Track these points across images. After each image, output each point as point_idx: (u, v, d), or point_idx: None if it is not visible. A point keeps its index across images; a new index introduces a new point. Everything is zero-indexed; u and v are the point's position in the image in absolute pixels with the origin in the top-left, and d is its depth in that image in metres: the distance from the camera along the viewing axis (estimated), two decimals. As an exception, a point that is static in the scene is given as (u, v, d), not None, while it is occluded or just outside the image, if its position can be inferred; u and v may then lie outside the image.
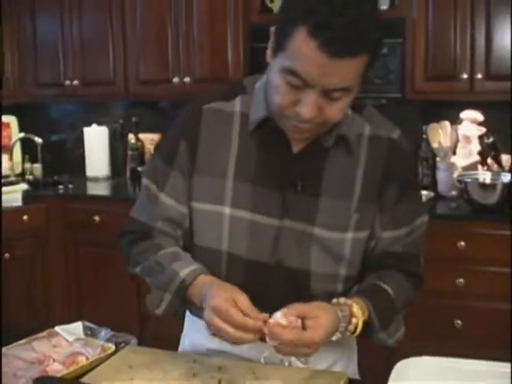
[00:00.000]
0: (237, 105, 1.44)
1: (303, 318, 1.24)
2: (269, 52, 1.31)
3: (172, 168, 1.45)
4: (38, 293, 3.80)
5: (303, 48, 1.19)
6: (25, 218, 3.72)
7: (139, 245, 1.48)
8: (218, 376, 1.33)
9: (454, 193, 3.32)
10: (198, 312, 1.46)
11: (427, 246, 3.20)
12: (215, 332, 1.25)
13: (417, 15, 3.27)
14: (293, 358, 1.45)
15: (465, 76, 3.20)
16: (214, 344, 1.46)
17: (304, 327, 1.23)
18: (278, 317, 1.23)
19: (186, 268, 1.38)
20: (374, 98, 3.46)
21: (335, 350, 1.50)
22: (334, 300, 1.36)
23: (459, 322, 3.08)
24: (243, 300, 1.24)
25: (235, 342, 1.24)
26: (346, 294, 1.44)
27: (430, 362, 1.35)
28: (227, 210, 1.41)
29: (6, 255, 3.70)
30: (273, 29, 1.29)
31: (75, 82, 4.06)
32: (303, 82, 1.22)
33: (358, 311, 1.34)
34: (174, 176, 1.46)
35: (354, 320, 1.33)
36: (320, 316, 1.25)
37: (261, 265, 1.42)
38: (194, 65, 3.72)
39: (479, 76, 3.16)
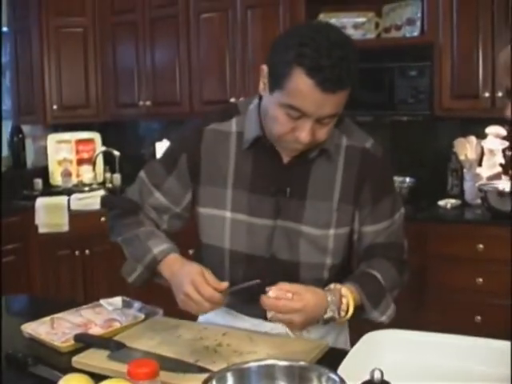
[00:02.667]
0: (233, 125, 1.56)
1: (292, 294, 1.37)
2: (261, 86, 1.44)
3: (170, 174, 1.59)
4: (115, 283, 4.00)
5: (301, 86, 1.32)
6: (102, 219, 3.97)
7: (125, 218, 1.60)
8: (220, 339, 1.52)
9: (478, 201, 3.38)
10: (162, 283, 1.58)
11: (450, 248, 3.29)
12: (184, 301, 1.37)
13: (443, 41, 3.36)
14: (289, 331, 1.60)
15: (487, 94, 3.26)
16: (226, 320, 1.63)
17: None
18: (270, 292, 1.39)
19: (158, 246, 1.51)
20: (407, 115, 3.59)
21: None
22: (326, 288, 1.47)
23: (479, 317, 3.14)
24: (209, 273, 1.38)
25: (200, 310, 1.39)
26: (331, 279, 1.53)
27: (398, 335, 1.39)
28: (228, 214, 1.55)
29: (87, 251, 4.01)
30: (264, 67, 1.42)
31: (148, 103, 4.28)
32: (301, 113, 1.36)
33: (347, 292, 1.45)
34: (171, 181, 1.59)
35: (344, 300, 1.44)
36: (304, 293, 1.37)
37: (258, 258, 1.55)
38: (249, 86, 3.92)
39: (500, 94, 3.21)
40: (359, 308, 1.49)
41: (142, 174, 1.66)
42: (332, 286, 1.47)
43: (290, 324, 1.39)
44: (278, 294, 1.37)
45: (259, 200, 1.54)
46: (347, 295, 1.45)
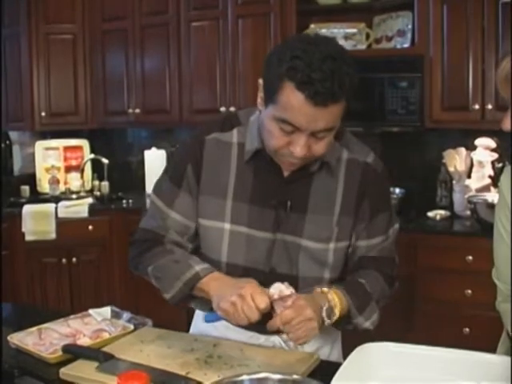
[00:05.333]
0: (234, 136, 1.54)
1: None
2: (259, 100, 1.43)
3: (180, 188, 1.55)
4: (102, 292, 4.00)
5: (292, 100, 1.31)
6: (90, 227, 3.96)
7: (152, 250, 1.54)
8: (211, 351, 1.50)
9: (468, 212, 3.39)
10: (199, 303, 1.58)
11: (439, 259, 3.29)
12: (232, 308, 1.33)
13: (434, 52, 3.37)
14: (282, 343, 1.60)
15: (476, 107, 3.27)
16: (218, 332, 1.61)
17: None
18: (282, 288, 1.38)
19: (200, 264, 1.48)
20: (397, 126, 3.60)
21: (320, 336, 1.59)
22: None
23: (467, 329, 3.14)
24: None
25: (245, 319, 1.33)
26: None
27: (390, 348, 1.37)
28: (227, 226, 1.53)
29: (74, 259, 3.97)
30: (260, 81, 1.41)
31: (137, 111, 4.26)
32: (294, 127, 1.34)
33: (333, 294, 1.44)
34: (182, 195, 1.55)
35: (329, 296, 1.43)
36: (300, 300, 1.37)
37: (257, 271, 1.53)
38: (239, 96, 3.92)
39: (489, 107, 3.23)
40: (345, 312, 1.48)
41: (152, 197, 1.62)
42: (318, 289, 1.46)
43: (311, 328, 1.36)
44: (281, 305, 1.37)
45: (259, 213, 1.52)
46: (333, 297, 1.44)
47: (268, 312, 1.35)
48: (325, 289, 1.46)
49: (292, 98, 1.31)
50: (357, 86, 1.36)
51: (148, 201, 4.24)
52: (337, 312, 1.44)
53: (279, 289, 1.38)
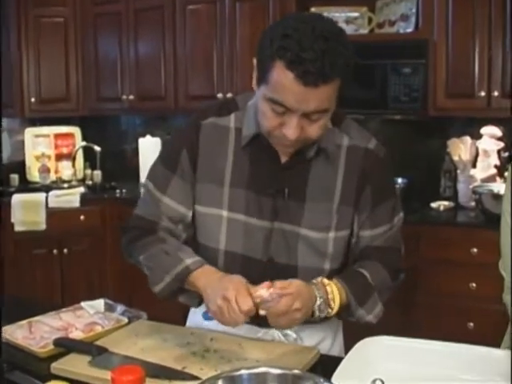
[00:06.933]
0: (232, 121, 1.54)
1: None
2: (254, 81, 1.43)
3: (174, 173, 1.55)
4: (94, 284, 4.01)
5: (282, 80, 1.30)
6: (82, 218, 3.96)
7: (144, 239, 1.55)
8: (208, 345, 1.50)
9: (472, 203, 3.39)
10: (188, 298, 1.55)
11: (442, 252, 3.29)
12: (219, 310, 1.34)
13: (438, 37, 3.36)
14: (282, 336, 1.59)
15: (482, 94, 3.27)
16: (216, 326, 1.57)
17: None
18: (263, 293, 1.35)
19: (191, 257, 1.49)
20: (399, 114, 3.59)
21: (321, 329, 1.62)
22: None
23: (471, 324, 3.15)
24: (251, 287, 1.36)
25: (231, 322, 1.34)
26: None
27: (392, 342, 1.40)
28: (225, 213, 1.53)
29: (65, 250, 3.97)
30: (255, 61, 1.41)
31: (131, 97, 4.26)
32: (285, 108, 1.34)
33: (332, 285, 1.44)
34: (176, 180, 1.55)
35: (328, 288, 1.43)
36: (290, 283, 1.36)
37: (255, 261, 1.53)
38: (236, 82, 3.90)
39: (496, 94, 3.23)
40: (345, 305, 1.48)
41: (146, 181, 1.63)
42: (314, 280, 1.46)
43: (293, 319, 1.36)
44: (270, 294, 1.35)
45: (256, 200, 1.52)
46: (333, 289, 1.44)
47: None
48: (325, 280, 1.46)
49: (282, 77, 1.30)
50: (353, 67, 1.35)
51: (142, 190, 4.23)
52: (334, 306, 1.44)
53: (261, 293, 1.35)
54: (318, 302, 1.41)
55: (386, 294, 1.59)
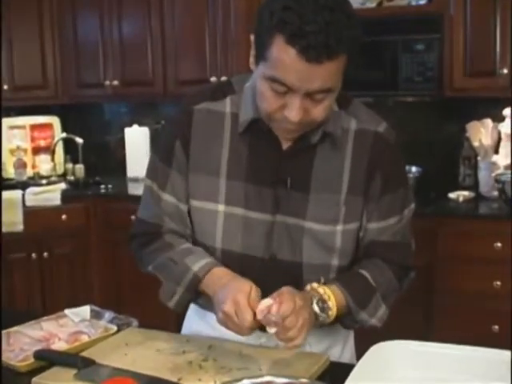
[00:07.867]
0: (227, 105, 1.54)
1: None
2: (251, 59, 1.43)
3: (171, 167, 1.56)
4: (78, 290, 4.00)
5: (283, 56, 1.30)
6: (63, 217, 3.97)
7: (151, 245, 1.59)
8: (206, 353, 1.50)
9: (495, 193, 3.40)
10: (206, 304, 1.58)
11: (463, 247, 3.29)
12: (224, 321, 1.38)
13: (455, 9, 3.35)
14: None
15: (505, 71, 3.27)
16: (216, 333, 1.60)
17: None
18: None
19: (197, 262, 1.51)
20: (412, 95, 3.59)
21: (331, 333, 1.63)
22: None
23: (496, 327, 3.16)
24: (257, 294, 1.38)
25: (239, 333, 1.38)
26: None
27: (407, 346, 1.40)
28: (221, 208, 1.54)
29: (45, 254, 3.98)
30: (252, 37, 1.41)
31: (115, 83, 4.26)
32: (287, 87, 1.33)
33: (326, 290, 1.45)
34: (174, 175, 1.56)
35: (320, 290, 1.45)
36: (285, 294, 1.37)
37: (255, 259, 1.54)
38: (232, 64, 3.91)
39: (520, 71, 3.23)
40: (345, 309, 1.50)
41: (146, 181, 1.64)
42: (308, 286, 1.48)
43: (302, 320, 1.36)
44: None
45: (256, 192, 1.52)
46: (325, 291, 1.46)
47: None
48: (314, 284, 1.48)
49: (282, 53, 1.30)
50: (360, 42, 1.35)
51: (129, 185, 4.26)
52: (331, 305, 1.45)
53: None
54: (315, 301, 1.43)
55: (391, 296, 1.60)
